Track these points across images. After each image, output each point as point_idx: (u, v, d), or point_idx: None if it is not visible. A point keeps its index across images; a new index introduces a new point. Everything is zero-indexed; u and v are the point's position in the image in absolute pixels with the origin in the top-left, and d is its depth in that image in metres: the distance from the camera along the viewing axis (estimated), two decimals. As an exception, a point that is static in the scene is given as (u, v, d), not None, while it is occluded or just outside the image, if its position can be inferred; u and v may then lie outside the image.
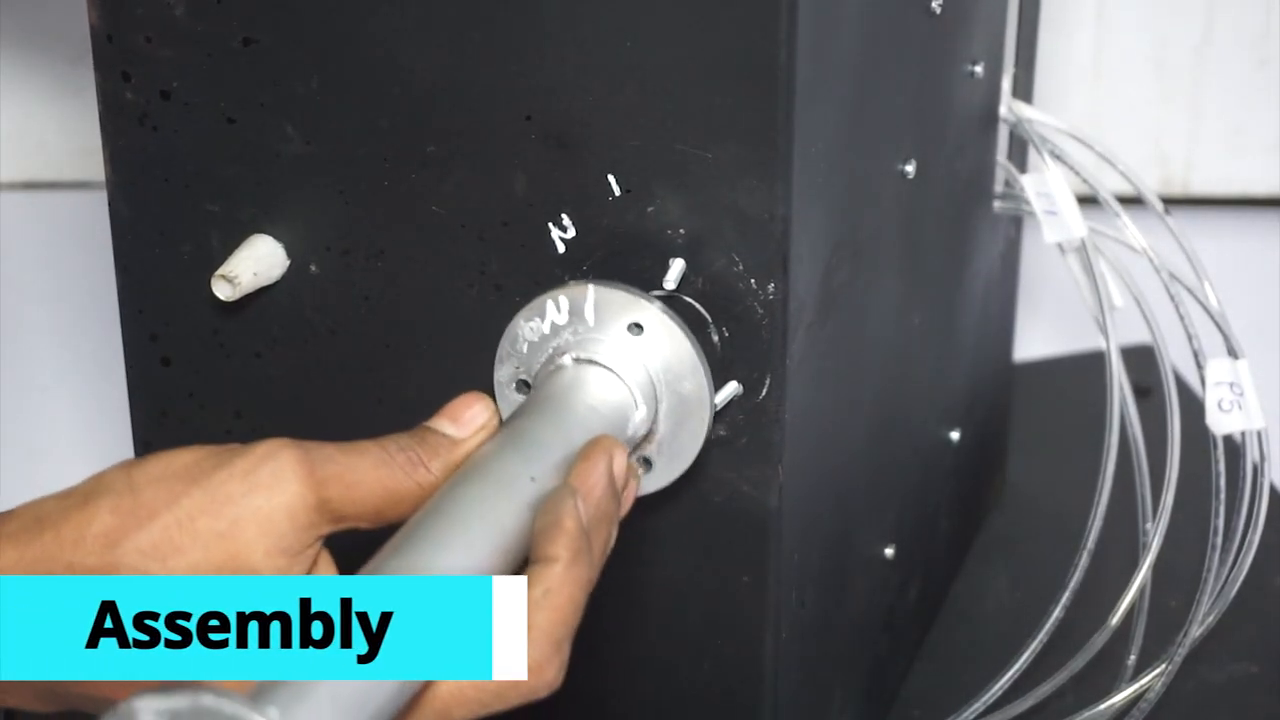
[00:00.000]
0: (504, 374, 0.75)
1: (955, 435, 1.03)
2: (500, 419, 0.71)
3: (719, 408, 0.74)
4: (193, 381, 0.84)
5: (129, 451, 0.88)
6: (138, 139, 0.80)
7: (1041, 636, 0.98)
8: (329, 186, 0.78)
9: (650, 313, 0.73)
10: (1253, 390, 0.99)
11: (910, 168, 0.86)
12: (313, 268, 0.80)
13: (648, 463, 0.75)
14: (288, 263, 0.80)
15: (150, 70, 0.78)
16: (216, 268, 0.79)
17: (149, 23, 0.77)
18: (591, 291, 0.73)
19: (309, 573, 0.66)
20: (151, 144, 0.80)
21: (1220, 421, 0.99)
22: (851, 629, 0.91)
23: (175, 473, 0.66)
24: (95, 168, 0.82)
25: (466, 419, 0.70)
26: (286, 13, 0.76)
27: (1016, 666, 0.98)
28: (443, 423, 0.70)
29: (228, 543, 0.65)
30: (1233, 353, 0.99)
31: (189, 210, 0.81)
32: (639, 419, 0.73)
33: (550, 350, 0.73)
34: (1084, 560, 0.99)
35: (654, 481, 0.75)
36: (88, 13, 0.78)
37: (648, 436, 0.74)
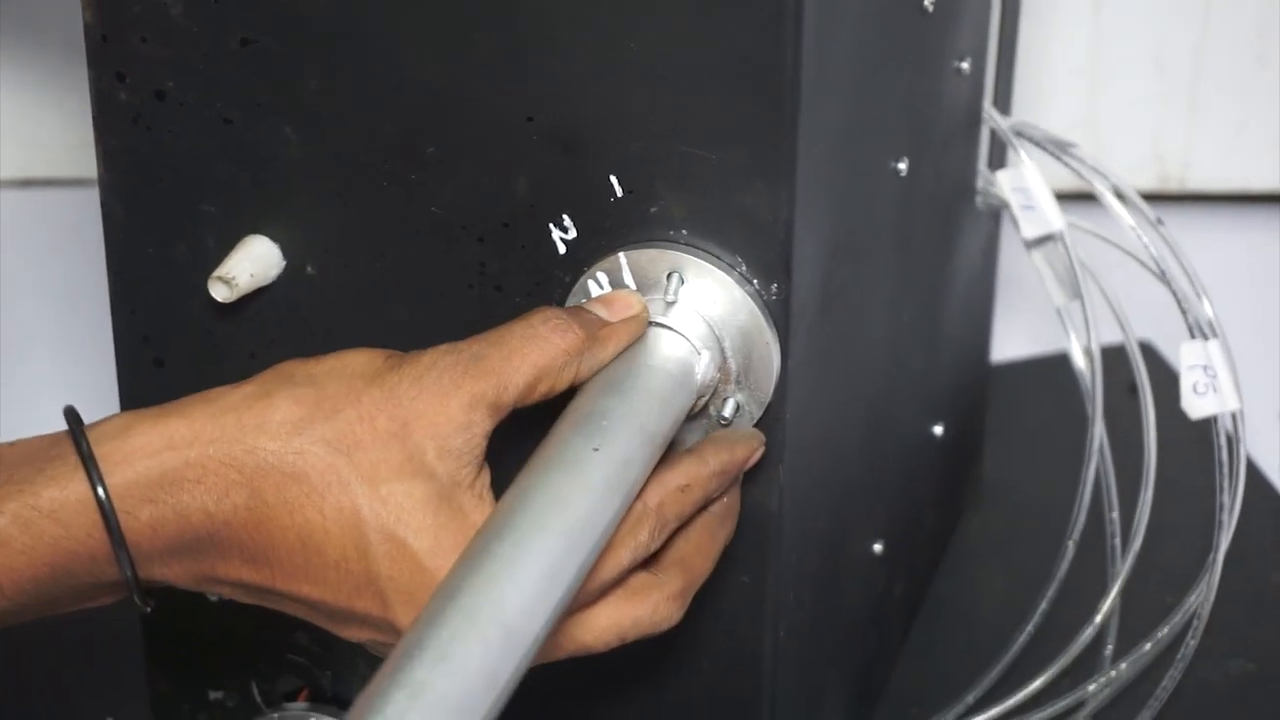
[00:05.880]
0: None
1: (939, 430, 1.03)
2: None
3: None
4: (186, 383, 0.83)
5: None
6: (132, 139, 0.79)
7: (1029, 629, 0.99)
8: (327, 188, 0.78)
9: (683, 259, 0.73)
10: (1226, 371, 0.98)
11: (903, 165, 0.86)
12: (309, 269, 0.79)
13: (738, 407, 0.75)
14: (284, 264, 0.80)
15: (145, 70, 0.78)
16: (211, 269, 0.78)
17: (144, 22, 0.77)
18: (623, 258, 0.74)
19: (477, 476, 0.68)
20: (146, 144, 0.79)
21: (1195, 405, 0.99)
22: (843, 626, 0.91)
23: (354, 371, 0.69)
24: (94, 165, 0.82)
25: (618, 305, 0.73)
26: (285, 13, 0.75)
27: (1001, 665, 0.99)
28: (595, 305, 0.73)
29: (401, 443, 0.67)
30: (1203, 334, 0.98)
31: (183, 211, 0.80)
32: (705, 363, 0.73)
33: None
34: (1070, 552, 0.99)
35: (746, 420, 0.76)
36: (82, 12, 0.77)
37: (724, 377, 0.75)
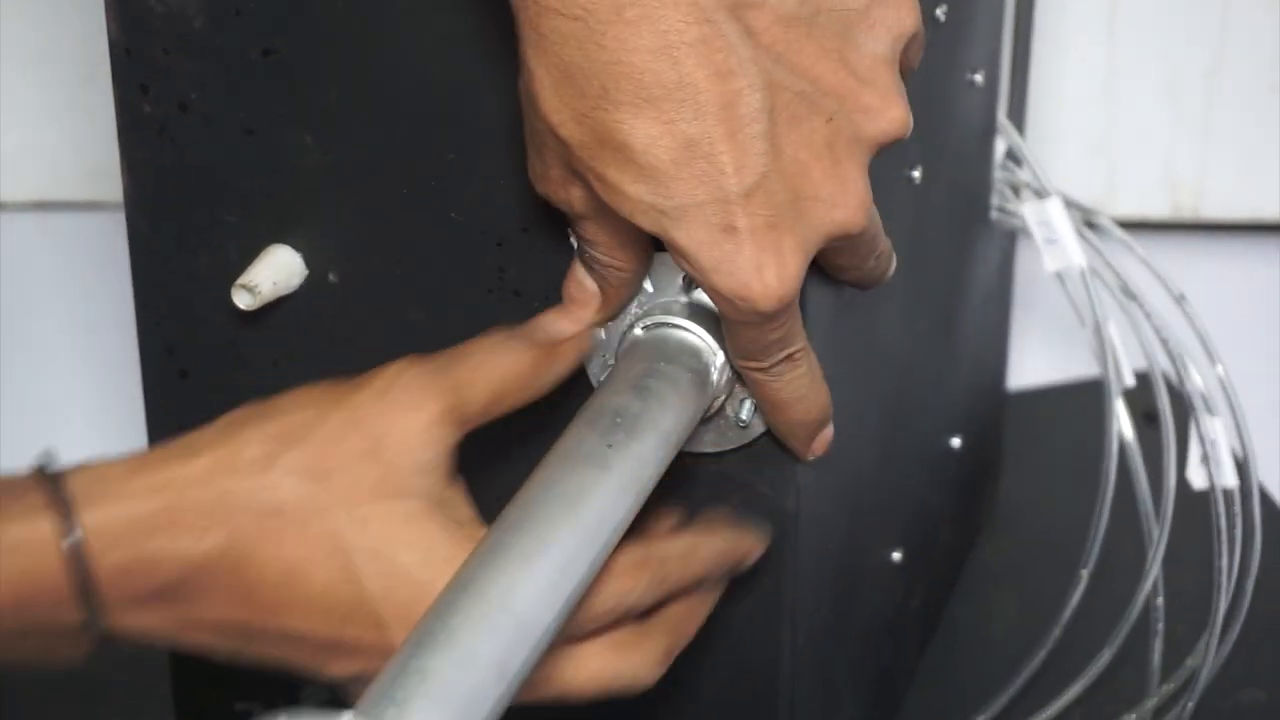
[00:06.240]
0: (594, 369, 0.77)
1: (956, 442, 1.04)
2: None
3: None
4: (210, 393, 0.84)
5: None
6: (156, 151, 0.80)
7: (1041, 657, 1.00)
8: (348, 196, 0.79)
9: None
10: (1226, 449, 1.01)
11: (917, 173, 0.87)
12: (331, 277, 0.80)
13: (755, 408, 0.75)
14: (306, 272, 0.81)
15: (169, 82, 0.79)
16: (234, 279, 0.79)
17: (168, 35, 0.78)
18: None
19: (449, 486, 0.69)
20: (169, 156, 0.80)
21: (1198, 475, 1.01)
22: (861, 633, 0.92)
23: (315, 399, 0.70)
24: (107, 188, 0.82)
25: (573, 311, 0.74)
26: (306, 23, 0.76)
27: (1010, 691, 1.00)
28: (548, 317, 0.74)
29: (374, 460, 0.68)
30: (1210, 409, 1.01)
31: (207, 221, 0.81)
32: (721, 363, 0.74)
33: (622, 330, 0.75)
34: (1084, 581, 1.00)
35: (763, 422, 0.76)
36: (106, 26, 0.79)
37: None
